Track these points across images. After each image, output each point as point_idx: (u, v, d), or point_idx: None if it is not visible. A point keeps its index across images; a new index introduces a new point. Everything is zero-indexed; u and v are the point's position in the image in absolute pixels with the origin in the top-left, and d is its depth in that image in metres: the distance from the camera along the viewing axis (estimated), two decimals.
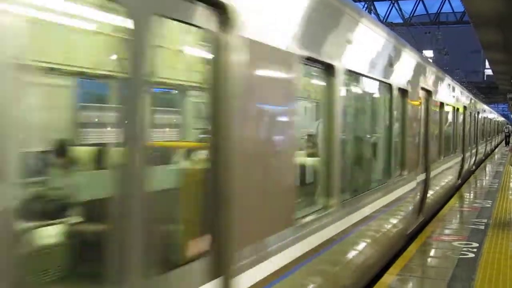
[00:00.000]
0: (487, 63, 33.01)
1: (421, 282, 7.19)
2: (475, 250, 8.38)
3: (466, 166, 18.41)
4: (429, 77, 11.25)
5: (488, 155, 31.83)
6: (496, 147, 42.52)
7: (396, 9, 36.14)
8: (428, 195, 10.86)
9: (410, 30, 35.21)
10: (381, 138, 7.97)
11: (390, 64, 7.67)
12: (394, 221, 8.22)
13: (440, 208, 12.36)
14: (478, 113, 24.48)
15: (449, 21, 39.83)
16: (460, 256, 8.00)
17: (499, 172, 21.46)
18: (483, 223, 10.54)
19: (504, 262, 7.70)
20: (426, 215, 10.88)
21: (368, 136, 7.75)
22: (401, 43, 8.73)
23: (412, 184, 9.23)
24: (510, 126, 48.38)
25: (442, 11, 38.02)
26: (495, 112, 47.68)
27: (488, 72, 46.08)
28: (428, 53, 40.71)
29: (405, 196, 8.68)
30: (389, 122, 7.90)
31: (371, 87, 7.59)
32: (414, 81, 9.41)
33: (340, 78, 5.33)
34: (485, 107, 32.19)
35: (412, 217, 9.42)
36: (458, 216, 12.01)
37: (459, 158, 16.77)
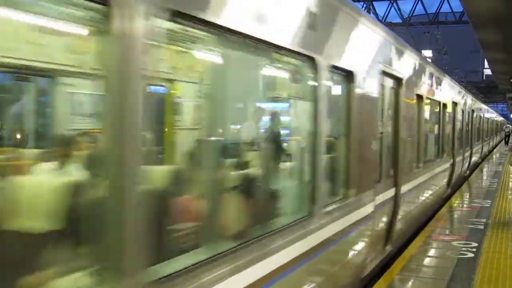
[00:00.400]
0: (486, 62, 32.99)
1: (421, 282, 7.19)
2: (474, 249, 8.38)
3: (457, 172, 16.07)
4: (399, 60, 8.32)
5: (485, 157, 30.97)
6: (494, 148, 42.42)
7: (395, 9, 36.17)
8: (400, 216, 8.30)
9: (409, 30, 35.27)
10: (294, 144, 5.66)
11: (313, 27, 4.77)
12: (330, 269, 5.63)
13: (423, 226, 10.32)
14: (473, 111, 21.99)
15: (448, 21, 39.85)
16: (460, 256, 8.00)
17: (498, 172, 21.45)
18: (482, 223, 10.54)
19: (504, 262, 7.70)
20: (398, 243, 8.49)
21: (256, 141, 5.33)
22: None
23: (367, 209, 6.58)
24: (510, 126, 48.44)
25: (441, 11, 38.13)
26: (494, 112, 47.55)
27: (488, 71, 46.08)
28: (427, 53, 40.80)
29: (352, 228, 6.07)
30: (314, 119, 4.96)
31: (259, 57, 4.69)
32: (367, 61, 6.66)
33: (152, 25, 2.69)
34: (482, 105, 31.22)
35: (370, 253, 6.90)
36: (457, 215, 12.03)
37: (448, 164, 14.30)
